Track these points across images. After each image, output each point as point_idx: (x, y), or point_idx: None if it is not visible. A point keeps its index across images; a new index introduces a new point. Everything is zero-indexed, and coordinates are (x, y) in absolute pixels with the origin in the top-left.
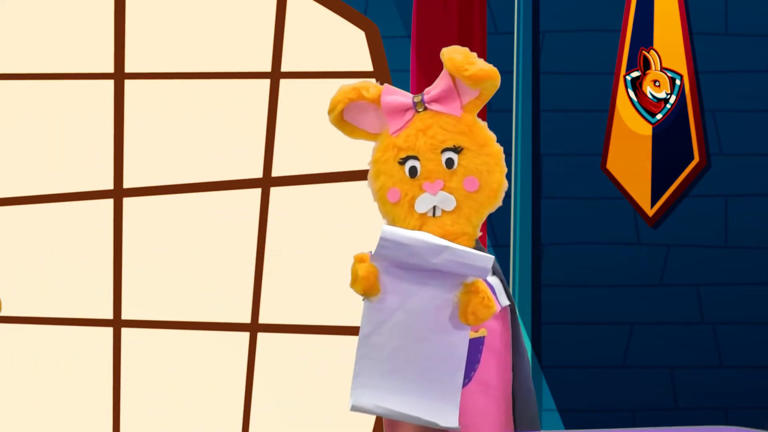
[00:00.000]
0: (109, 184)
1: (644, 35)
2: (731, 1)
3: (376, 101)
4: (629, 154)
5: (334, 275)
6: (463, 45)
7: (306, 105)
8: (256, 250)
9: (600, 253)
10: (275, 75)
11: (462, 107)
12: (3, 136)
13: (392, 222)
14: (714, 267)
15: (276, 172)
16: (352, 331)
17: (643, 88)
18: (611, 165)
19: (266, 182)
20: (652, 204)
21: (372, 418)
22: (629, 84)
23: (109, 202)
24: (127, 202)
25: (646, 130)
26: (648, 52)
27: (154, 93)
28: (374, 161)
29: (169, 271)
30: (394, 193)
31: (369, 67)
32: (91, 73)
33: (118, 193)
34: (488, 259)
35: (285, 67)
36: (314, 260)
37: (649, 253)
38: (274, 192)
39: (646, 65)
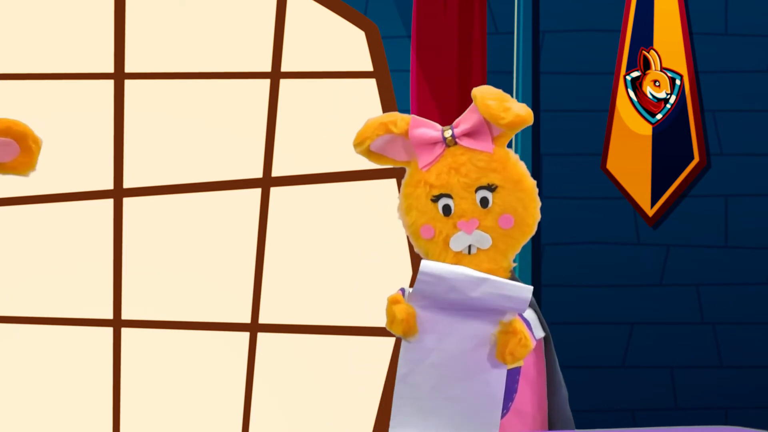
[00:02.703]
0: (109, 184)
1: (644, 35)
2: (731, 1)
3: (404, 134)
4: (629, 154)
5: (334, 275)
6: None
7: (306, 105)
8: (256, 250)
9: (600, 253)
10: (275, 75)
11: (493, 141)
12: None
13: (426, 257)
14: (714, 267)
15: (276, 172)
16: (353, 331)
17: (643, 88)
18: (611, 165)
19: (266, 182)
20: (652, 204)
21: (372, 420)
22: (629, 84)
23: (109, 202)
24: (127, 202)
25: (646, 130)
26: (648, 52)
27: (154, 93)
28: (405, 195)
29: (169, 271)
30: (427, 230)
31: (369, 67)
32: (91, 73)
33: (118, 193)
34: (527, 290)
35: (285, 67)
36: (314, 260)
37: (649, 253)
38: (274, 192)
39: (646, 65)
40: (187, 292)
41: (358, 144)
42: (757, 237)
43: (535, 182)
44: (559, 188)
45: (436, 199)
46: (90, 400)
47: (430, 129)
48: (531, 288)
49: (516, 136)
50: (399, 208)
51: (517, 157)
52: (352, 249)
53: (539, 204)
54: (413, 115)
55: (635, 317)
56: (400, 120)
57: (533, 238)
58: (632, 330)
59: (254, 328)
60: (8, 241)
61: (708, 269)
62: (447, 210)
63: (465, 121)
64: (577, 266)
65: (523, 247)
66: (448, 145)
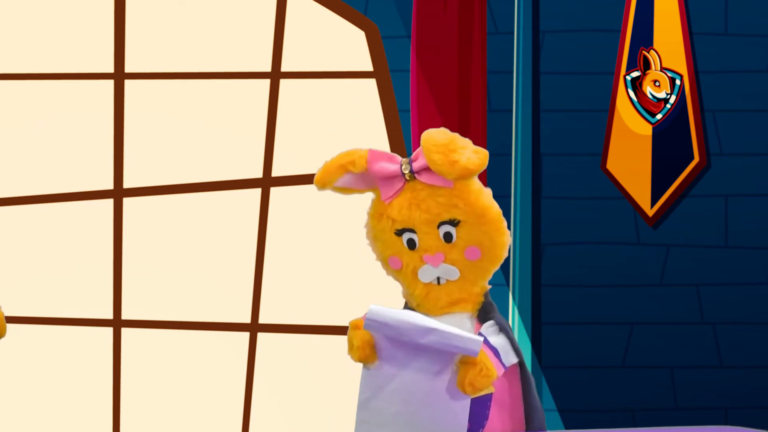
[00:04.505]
0: (109, 184)
1: (644, 35)
2: (731, 1)
3: (365, 170)
4: (629, 154)
5: (334, 275)
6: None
7: (306, 105)
8: (256, 250)
9: (600, 253)
10: (275, 75)
11: None
12: (3, 136)
13: (401, 284)
14: (714, 267)
15: (276, 172)
16: None
17: (643, 88)
18: (611, 165)
19: (266, 182)
20: (652, 204)
21: None
22: (629, 84)
23: (109, 202)
24: (127, 202)
25: (646, 130)
26: (648, 52)
27: (154, 93)
28: (371, 226)
29: (169, 271)
30: (395, 261)
31: (369, 67)
32: (91, 73)
33: (118, 193)
34: (476, 342)
35: (285, 67)
36: (314, 260)
37: (649, 253)
38: (274, 192)
39: (646, 65)
40: (187, 292)
41: (319, 188)
42: (757, 237)
43: (500, 211)
44: (559, 188)
45: (399, 233)
46: (90, 400)
47: (389, 163)
48: (480, 341)
49: (516, 136)
50: (367, 236)
51: (481, 186)
52: (351, 249)
53: (507, 233)
54: (370, 149)
55: (635, 317)
56: (358, 158)
57: (533, 239)
58: (632, 330)
59: (254, 328)
60: (8, 241)
61: (708, 269)
62: (412, 244)
63: (422, 155)
64: (577, 266)
65: (523, 247)
66: (407, 180)
